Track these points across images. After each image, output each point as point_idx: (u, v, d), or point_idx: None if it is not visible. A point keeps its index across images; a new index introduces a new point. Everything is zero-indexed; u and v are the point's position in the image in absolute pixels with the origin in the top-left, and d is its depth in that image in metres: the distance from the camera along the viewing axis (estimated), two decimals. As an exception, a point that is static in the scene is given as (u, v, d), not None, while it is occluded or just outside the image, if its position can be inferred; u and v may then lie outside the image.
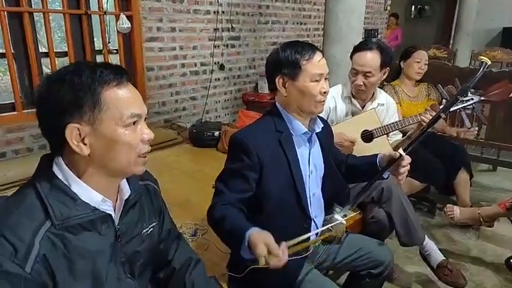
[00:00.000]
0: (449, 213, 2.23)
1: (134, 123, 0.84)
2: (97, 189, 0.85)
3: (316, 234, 1.34)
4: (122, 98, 0.82)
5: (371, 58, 1.95)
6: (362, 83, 1.99)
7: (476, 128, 2.72)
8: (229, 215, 1.19)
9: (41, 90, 0.81)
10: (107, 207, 0.87)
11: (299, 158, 1.34)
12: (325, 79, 1.33)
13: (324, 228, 1.20)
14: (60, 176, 0.82)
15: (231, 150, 1.34)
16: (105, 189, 0.87)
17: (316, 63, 1.29)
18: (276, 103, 1.38)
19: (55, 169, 0.83)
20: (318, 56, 1.30)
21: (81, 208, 0.81)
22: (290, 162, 1.31)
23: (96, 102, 0.79)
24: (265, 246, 1.02)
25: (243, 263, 1.10)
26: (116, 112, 0.81)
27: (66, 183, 0.82)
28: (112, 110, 0.81)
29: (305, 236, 1.16)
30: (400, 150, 1.35)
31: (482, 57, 1.41)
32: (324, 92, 1.31)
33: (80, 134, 0.80)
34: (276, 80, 1.32)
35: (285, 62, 1.29)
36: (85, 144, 0.81)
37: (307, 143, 1.38)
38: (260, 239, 1.04)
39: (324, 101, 1.33)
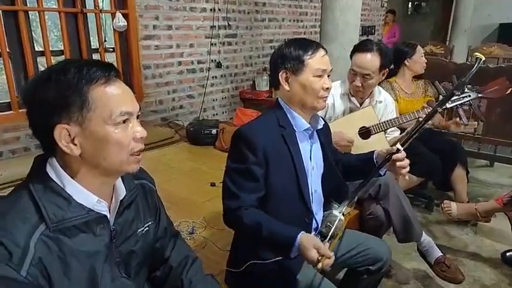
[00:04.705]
0: (446, 209, 2.24)
1: (125, 121, 0.82)
2: (91, 190, 0.84)
3: (316, 230, 1.35)
4: (110, 96, 0.80)
5: (370, 60, 1.93)
6: (360, 85, 1.98)
7: (475, 123, 2.72)
8: (265, 220, 1.21)
9: (27, 89, 0.80)
10: (102, 208, 0.85)
11: (302, 153, 1.35)
12: (328, 76, 1.34)
13: (333, 230, 1.21)
14: (54, 177, 0.81)
15: (235, 145, 1.32)
16: (100, 189, 0.86)
17: (319, 59, 1.30)
18: (279, 98, 1.39)
19: (49, 170, 0.82)
20: (321, 52, 1.32)
21: (75, 210, 0.80)
22: (293, 157, 1.31)
23: (83, 102, 0.78)
24: (316, 249, 1.09)
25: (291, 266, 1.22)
26: (104, 111, 0.79)
27: (60, 184, 0.81)
28: (101, 109, 0.79)
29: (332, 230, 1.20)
30: (398, 145, 1.35)
31: (476, 54, 1.41)
32: (327, 88, 1.32)
33: (69, 135, 0.78)
34: (279, 74, 1.33)
35: (288, 57, 1.31)
36: (75, 145, 0.79)
37: (308, 139, 1.39)
38: (309, 243, 1.11)
39: (326, 97, 1.34)
